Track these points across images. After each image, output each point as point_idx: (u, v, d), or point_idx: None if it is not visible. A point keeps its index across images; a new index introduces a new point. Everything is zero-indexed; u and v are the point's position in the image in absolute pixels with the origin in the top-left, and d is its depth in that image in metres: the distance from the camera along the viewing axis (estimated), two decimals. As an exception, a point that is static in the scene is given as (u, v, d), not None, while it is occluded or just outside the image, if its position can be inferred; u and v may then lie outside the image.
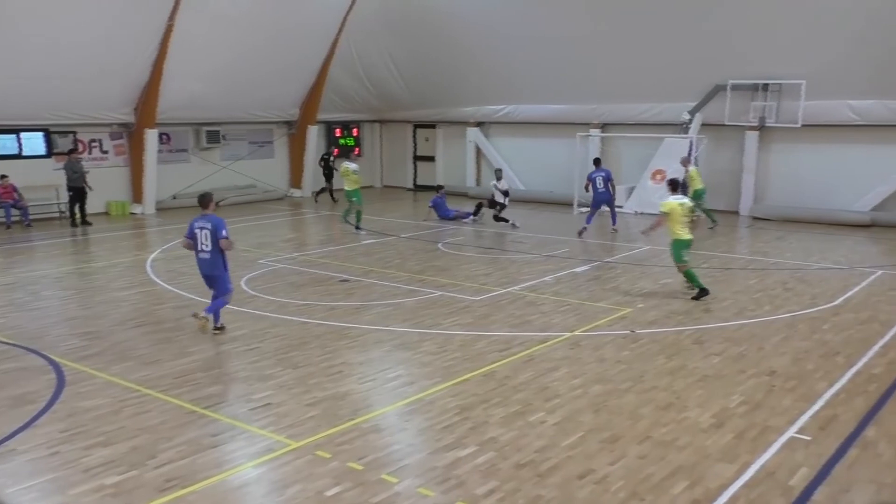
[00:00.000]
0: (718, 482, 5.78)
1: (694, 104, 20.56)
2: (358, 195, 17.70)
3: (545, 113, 23.52)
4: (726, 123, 19.99)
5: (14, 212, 18.77)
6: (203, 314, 9.50)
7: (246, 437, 6.64)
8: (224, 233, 9.33)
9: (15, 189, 18.85)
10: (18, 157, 19.44)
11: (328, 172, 24.36)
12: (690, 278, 11.58)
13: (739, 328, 9.99)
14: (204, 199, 9.63)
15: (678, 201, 11.52)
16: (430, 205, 20.31)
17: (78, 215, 19.04)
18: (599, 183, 17.52)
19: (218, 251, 9.42)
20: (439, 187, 21.06)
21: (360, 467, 6.01)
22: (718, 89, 20.10)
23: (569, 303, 11.25)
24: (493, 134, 25.49)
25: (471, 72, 23.80)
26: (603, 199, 17.55)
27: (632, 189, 21.28)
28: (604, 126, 22.73)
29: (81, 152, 20.18)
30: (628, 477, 5.87)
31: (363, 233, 17.25)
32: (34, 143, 19.68)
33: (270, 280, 12.75)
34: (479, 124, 25.41)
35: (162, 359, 8.78)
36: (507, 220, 18.87)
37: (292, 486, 5.74)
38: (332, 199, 23.88)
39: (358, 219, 17.92)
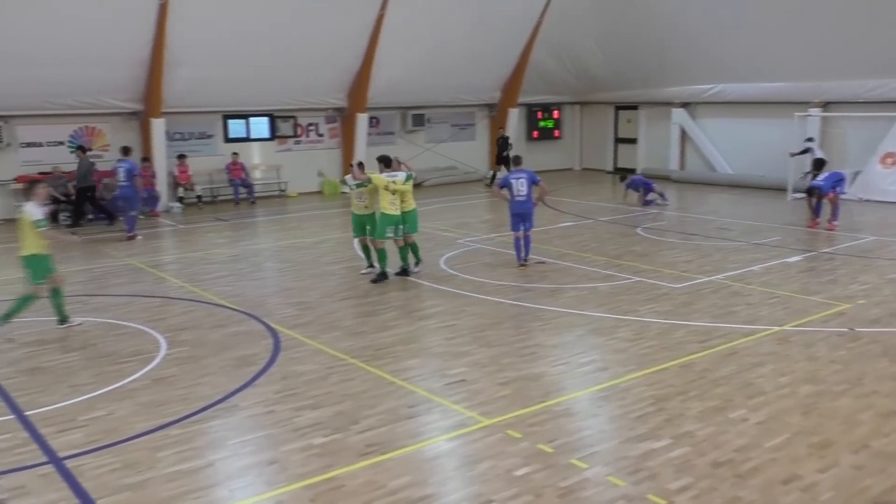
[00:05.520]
0: (949, 502, 5.18)
1: (936, 79, 18.33)
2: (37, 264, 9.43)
3: (759, 92, 21.97)
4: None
5: (240, 189, 20.62)
6: (534, 260, 12.28)
7: (440, 411, 6.87)
8: (538, 178, 12.21)
9: (244, 168, 20.71)
10: (247, 139, 21.33)
11: (503, 156, 23.78)
12: (380, 258, 11.49)
13: (983, 332, 8.84)
14: (518, 158, 12.85)
15: (390, 178, 11.44)
16: (627, 186, 19.64)
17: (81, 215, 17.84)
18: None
19: (531, 195, 12.04)
20: (632, 170, 20.30)
21: (550, 450, 6.02)
22: (968, 62, 17.77)
23: (778, 295, 10.51)
24: (699, 115, 24.27)
25: (679, 49, 22.75)
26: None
27: (857, 174, 19.42)
28: (826, 105, 20.87)
29: (301, 135, 21.81)
30: (840, 487, 5.41)
31: None
32: (260, 126, 21.48)
33: (468, 260, 13.04)
34: (684, 105, 24.30)
35: (365, 331, 9.29)
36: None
37: (483, 462, 5.87)
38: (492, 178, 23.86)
39: None
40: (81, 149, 17.86)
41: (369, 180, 11.49)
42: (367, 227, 11.86)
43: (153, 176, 18.86)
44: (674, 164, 24.61)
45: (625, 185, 19.69)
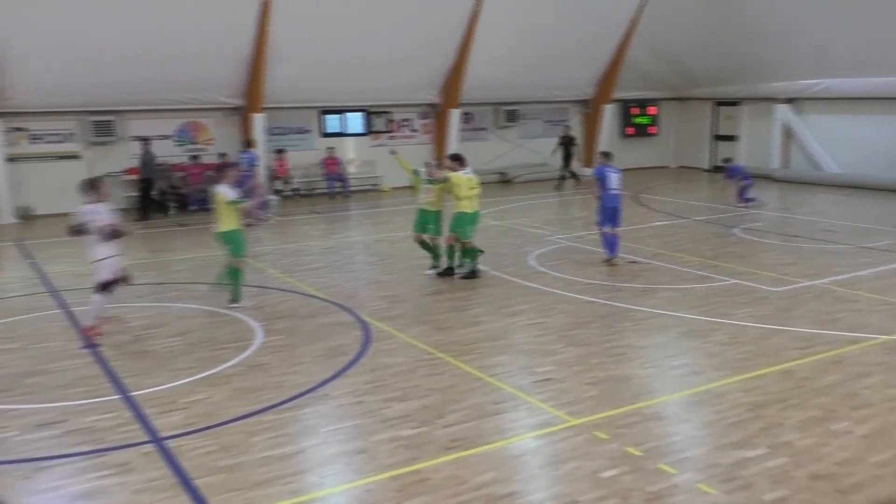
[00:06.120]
0: None
1: None
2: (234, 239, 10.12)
3: (871, 87, 20.76)
4: None
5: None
6: (613, 256, 12.07)
7: (527, 409, 6.84)
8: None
9: (339, 163, 21.15)
10: (342, 134, 21.77)
11: (567, 154, 22.48)
12: (470, 255, 11.46)
13: None
14: (609, 154, 12.66)
15: (466, 175, 11.32)
16: (728, 173, 18.77)
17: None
18: None
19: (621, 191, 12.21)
20: (727, 160, 19.41)
21: (639, 453, 5.90)
22: None
23: (889, 302, 9.96)
24: (805, 111, 23.24)
25: (784, 43, 21.81)
26: None
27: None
28: (948, 101, 19.59)
29: (395, 130, 22.10)
30: (952, 507, 5.09)
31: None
32: (355, 122, 21.89)
33: (558, 257, 12.92)
34: (789, 101, 23.31)
35: (454, 326, 9.33)
36: None
37: (568, 462, 5.81)
38: (570, 178, 22.44)
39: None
40: (144, 140, 18.15)
41: (446, 179, 11.38)
42: (430, 226, 11.72)
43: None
44: (776, 163, 23.67)
45: (727, 169, 18.83)
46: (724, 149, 25.86)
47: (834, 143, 22.31)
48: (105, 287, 8.69)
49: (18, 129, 17.99)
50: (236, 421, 6.62)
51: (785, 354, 8.08)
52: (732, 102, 25.38)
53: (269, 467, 5.78)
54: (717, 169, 24.90)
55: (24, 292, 11.29)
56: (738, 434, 6.21)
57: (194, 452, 6.04)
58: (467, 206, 11.30)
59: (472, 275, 11.52)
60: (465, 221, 11.32)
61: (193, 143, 19.91)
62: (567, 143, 22.46)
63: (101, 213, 8.66)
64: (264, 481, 5.58)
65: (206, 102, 19.42)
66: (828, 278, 11.17)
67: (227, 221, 9.94)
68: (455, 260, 11.70)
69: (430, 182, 11.61)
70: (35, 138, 18.27)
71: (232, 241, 10.00)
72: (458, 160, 11.60)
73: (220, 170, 10.65)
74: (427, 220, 11.75)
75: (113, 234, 8.67)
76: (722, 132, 26.18)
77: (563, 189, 21.73)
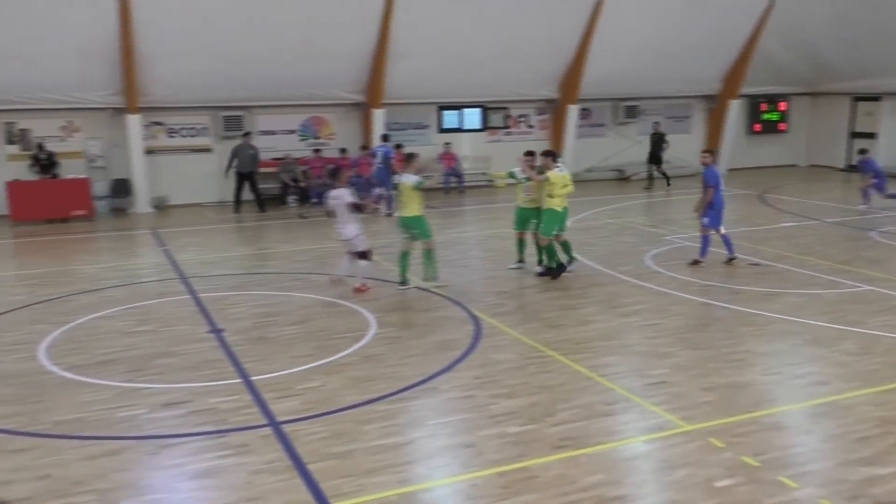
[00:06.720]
0: None
1: None
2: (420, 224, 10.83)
3: None
4: None
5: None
6: (733, 256, 11.86)
7: (638, 411, 6.69)
8: None
9: (455, 158, 21.32)
10: (459, 130, 21.92)
11: (656, 153, 21.50)
12: (549, 254, 11.27)
13: None
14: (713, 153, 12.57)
15: (561, 173, 11.13)
16: (864, 169, 17.50)
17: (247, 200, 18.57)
18: None
19: None
20: (862, 150, 18.04)
21: (756, 463, 5.65)
22: None
23: None
24: (955, 106, 21.52)
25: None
26: None
27: None
28: None
29: (512, 126, 21.99)
30: None
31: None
32: (472, 118, 21.99)
33: (675, 257, 12.53)
34: (937, 95, 21.66)
35: (565, 324, 9.23)
36: None
37: (681, 468, 5.64)
38: (661, 178, 21.44)
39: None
40: (245, 134, 18.69)
41: (546, 179, 11.04)
42: (534, 222, 11.52)
43: (370, 165, 19.95)
44: (919, 162, 22.05)
45: (860, 162, 17.61)
46: (862, 147, 24.35)
47: None
48: (364, 255, 10.61)
49: (157, 124, 19.17)
50: (349, 409, 6.81)
51: (923, 368, 7.54)
52: (873, 98, 23.83)
53: (380, 456, 5.91)
54: (852, 168, 23.48)
55: (156, 278, 12.02)
56: (867, 450, 5.85)
57: (309, 438, 6.25)
58: (557, 204, 11.13)
59: (559, 270, 11.34)
60: (553, 219, 11.17)
61: (316, 137, 20.59)
62: (657, 141, 21.72)
63: (344, 196, 10.49)
64: (374, 469, 5.71)
65: (329, 98, 20.02)
66: (976, 287, 10.33)
67: (412, 207, 10.63)
68: (558, 258, 11.56)
69: (528, 180, 11.44)
70: (171, 132, 19.41)
71: (418, 225, 10.70)
72: (550, 156, 11.46)
73: (409, 158, 11.14)
74: (529, 217, 11.65)
75: (356, 210, 10.49)
76: (859, 129, 24.64)
77: (653, 189, 21.00)
